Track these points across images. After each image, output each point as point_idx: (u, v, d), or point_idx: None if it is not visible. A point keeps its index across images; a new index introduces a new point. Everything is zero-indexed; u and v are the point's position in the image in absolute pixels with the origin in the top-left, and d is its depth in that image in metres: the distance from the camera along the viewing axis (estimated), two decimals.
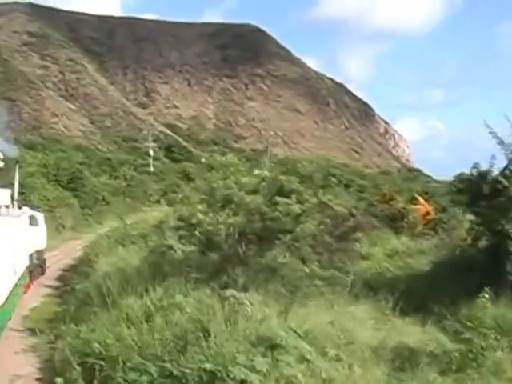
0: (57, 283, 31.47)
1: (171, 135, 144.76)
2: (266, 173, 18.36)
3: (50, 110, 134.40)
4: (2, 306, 17.84)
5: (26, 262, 25.95)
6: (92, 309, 17.98)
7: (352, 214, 19.38)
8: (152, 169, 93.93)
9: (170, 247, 23.42)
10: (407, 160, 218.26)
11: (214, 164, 19.96)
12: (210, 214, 17.10)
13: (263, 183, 18.07)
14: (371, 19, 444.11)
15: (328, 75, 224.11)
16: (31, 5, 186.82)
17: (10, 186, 26.87)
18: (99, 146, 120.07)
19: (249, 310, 14.57)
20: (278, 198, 16.73)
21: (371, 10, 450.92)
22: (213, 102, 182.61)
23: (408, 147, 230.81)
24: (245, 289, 16.28)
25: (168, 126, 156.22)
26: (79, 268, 31.32)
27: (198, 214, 17.19)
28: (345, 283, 17.19)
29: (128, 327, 15.21)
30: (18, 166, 30.82)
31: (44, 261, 34.19)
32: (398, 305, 17.08)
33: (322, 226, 17.12)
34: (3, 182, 22.09)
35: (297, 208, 16.32)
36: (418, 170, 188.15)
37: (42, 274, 33.06)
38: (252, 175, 18.38)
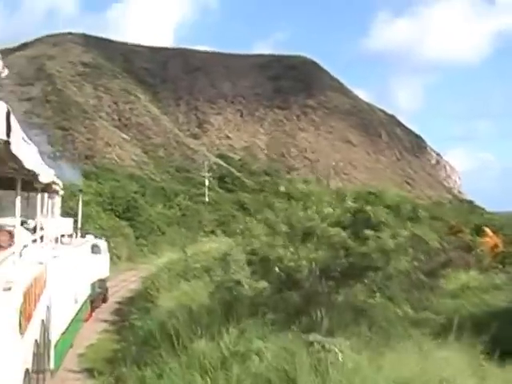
0: (113, 317, 29.99)
1: (224, 166, 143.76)
2: (350, 203, 16.55)
3: (104, 140, 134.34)
4: (64, 333, 18.07)
5: (88, 291, 26.20)
6: (156, 350, 16.31)
7: (444, 249, 17.43)
8: (207, 199, 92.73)
9: (238, 283, 21.71)
10: (459, 191, 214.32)
11: (294, 193, 18.19)
12: (291, 249, 15.34)
13: (347, 214, 16.29)
14: (421, 50, 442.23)
15: (379, 106, 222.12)
16: (85, 36, 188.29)
17: (68, 215, 26.25)
18: (152, 176, 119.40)
19: (340, 358, 12.82)
20: (366, 232, 14.91)
21: (421, 41, 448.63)
22: (265, 132, 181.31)
23: (459, 178, 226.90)
24: (330, 332, 14.49)
25: (220, 156, 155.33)
26: (137, 302, 29.76)
27: (279, 250, 15.41)
28: (432, 324, 15.32)
29: (201, 375, 13.57)
30: (81, 194, 31.69)
31: (106, 289, 34.34)
32: (487, 348, 15.11)
33: (415, 263, 15.16)
34: (62, 210, 21.25)
35: (390, 242, 14.43)
36: (470, 202, 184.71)
37: (104, 302, 33.23)
38: (335, 205, 16.60)
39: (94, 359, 20.92)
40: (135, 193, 71.29)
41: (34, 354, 9.86)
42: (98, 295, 31.37)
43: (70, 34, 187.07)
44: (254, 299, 17.93)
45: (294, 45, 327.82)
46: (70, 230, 24.44)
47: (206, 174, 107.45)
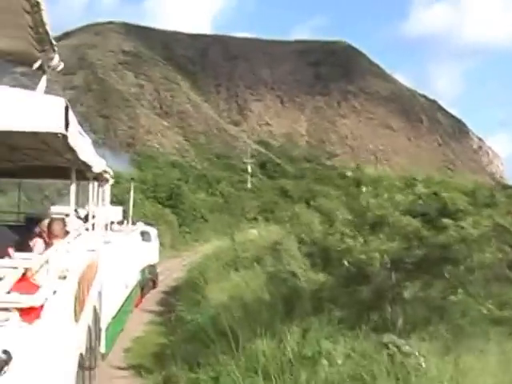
0: (159, 308, 28.60)
1: (264, 152, 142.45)
2: (423, 189, 14.88)
3: (145, 128, 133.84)
4: (114, 317, 18.52)
5: (138, 277, 26.43)
6: (209, 349, 14.90)
7: None
8: (249, 185, 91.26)
9: (294, 274, 20.17)
10: (501, 177, 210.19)
11: (362, 178, 16.59)
12: (360, 239, 13.71)
13: (419, 201, 14.64)
14: (460, 34, 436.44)
15: (420, 92, 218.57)
16: (126, 24, 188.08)
17: (112, 202, 24.33)
18: (193, 164, 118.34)
19: (422, 363, 11.28)
20: (444, 220, 13.23)
21: (460, 25, 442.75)
22: (305, 119, 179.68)
23: (502, 164, 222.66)
24: (404, 332, 12.92)
25: (260, 143, 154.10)
26: (184, 292, 28.29)
27: (347, 240, 13.78)
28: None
29: (264, 380, 12.14)
30: (132, 183, 32.45)
31: (156, 275, 34.76)
32: None
33: (500, 255, 13.44)
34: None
35: (473, 232, 12.75)
36: None
37: (154, 287, 33.56)
38: (405, 192, 14.94)
39: (140, 355, 19.43)
40: (178, 180, 69.97)
41: (87, 339, 10.16)
42: (148, 281, 31.70)
43: (110, 23, 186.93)
44: (316, 294, 16.39)
45: (333, 30, 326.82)
46: (120, 218, 25.30)
47: (249, 161, 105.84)
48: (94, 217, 13.26)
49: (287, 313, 15.54)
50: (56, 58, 7.34)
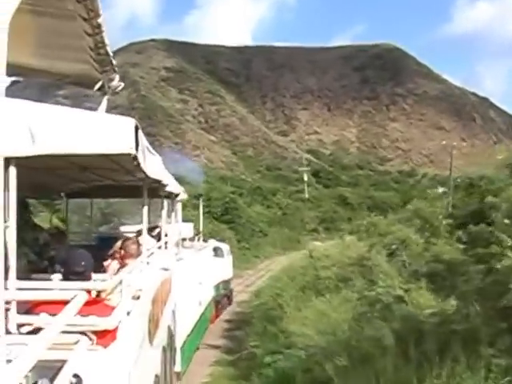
0: (225, 342, 24.03)
1: (315, 161, 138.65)
2: None
3: (192, 143, 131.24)
4: (189, 336, 18.24)
5: (212, 293, 26.10)
6: None
7: None
8: (307, 195, 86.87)
9: (400, 299, 15.99)
10: None
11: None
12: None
13: None
14: (506, 30, 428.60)
15: (469, 90, 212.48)
16: (167, 41, 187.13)
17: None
18: (243, 177, 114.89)
19: None
20: None
21: (505, 20, 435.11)
22: (354, 125, 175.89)
23: None
24: None
25: (310, 152, 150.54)
26: (254, 323, 24.00)
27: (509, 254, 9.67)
28: None
29: None
30: (201, 199, 33.59)
31: (231, 290, 34.27)
32: None
33: None
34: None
35: None
36: None
37: (229, 303, 33.10)
38: None
39: None
40: (232, 193, 66.14)
41: (162, 360, 9.96)
42: (223, 297, 31.17)
43: (152, 40, 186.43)
44: (442, 326, 12.30)
45: (373, 35, 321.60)
46: (191, 234, 25.13)
47: (304, 169, 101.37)
48: (166, 235, 12.84)
49: (403, 354, 11.58)
50: (116, 78, 7.34)
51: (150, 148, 7.24)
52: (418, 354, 11.27)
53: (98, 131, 5.16)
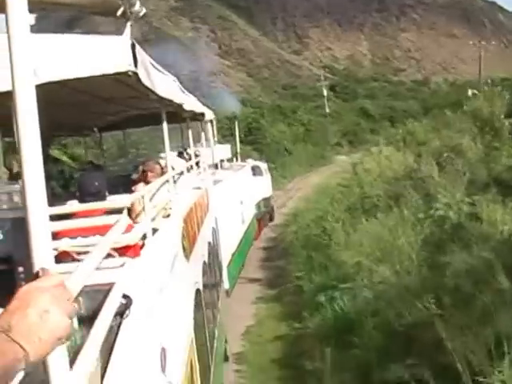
0: (265, 274, 21.12)
1: (330, 77, 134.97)
2: None
3: (207, 70, 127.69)
4: (234, 254, 18.25)
5: (253, 211, 26.01)
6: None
7: None
8: (328, 109, 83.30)
9: (473, 216, 12.89)
10: None
11: None
12: None
13: None
14: None
15: None
16: None
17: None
18: (260, 99, 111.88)
19: None
20: None
21: None
22: (366, 38, 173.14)
23: None
24: None
25: (325, 68, 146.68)
26: (295, 251, 21.38)
27: None
28: None
29: None
30: (236, 121, 34.18)
31: (272, 208, 33.80)
32: None
33: None
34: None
35: None
36: None
37: (271, 220, 32.74)
38: None
39: (261, 367, 12.42)
40: (253, 113, 62.92)
41: (204, 275, 9.66)
42: (265, 214, 30.95)
43: None
44: None
45: None
46: (229, 155, 25.70)
47: (324, 83, 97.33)
48: (196, 156, 12.42)
49: None
50: (137, 3, 5.81)
51: (161, 68, 6.86)
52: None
53: (95, 53, 5.07)
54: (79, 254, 5.19)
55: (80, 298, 3.47)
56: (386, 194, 18.25)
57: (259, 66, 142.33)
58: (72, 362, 2.22)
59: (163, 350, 5.01)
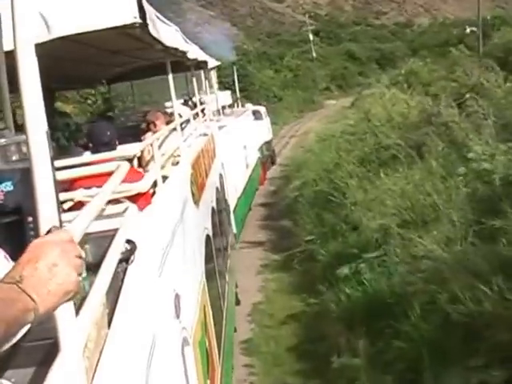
0: (269, 235, 18.57)
1: (313, 23, 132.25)
2: None
3: (192, 21, 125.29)
4: (240, 198, 18.16)
5: (257, 155, 25.76)
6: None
7: None
8: (314, 54, 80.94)
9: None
10: None
11: None
12: None
13: None
14: None
15: None
16: None
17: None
18: (244, 46, 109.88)
19: None
20: None
21: None
22: None
23: None
24: None
25: (307, 14, 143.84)
26: (301, 209, 18.02)
27: None
28: None
29: None
30: (235, 67, 34.67)
31: (273, 151, 34.09)
32: None
33: None
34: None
35: None
36: None
37: (273, 163, 32.81)
38: None
39: (273, 354, 10.44)
40: (240, 61, 60.61)
41: (213, 221, 9.65)
42: (267, 157, 30.86)
43: None
44: None
45: None
46: (230, 101, 25.35)
47: (309, 28, 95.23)
48: (201, 103, 12.55)
49: None
50: None
51: (164, 19, 6.90)
52: None
53: (102, 6, 5.08)
54: None
55: (87, 246, 3.66)
56: (407, 143, 15.04)
57: (243, 15, 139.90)
58: (79, 308, 2.25)
59: (177, 296, 4.91)
